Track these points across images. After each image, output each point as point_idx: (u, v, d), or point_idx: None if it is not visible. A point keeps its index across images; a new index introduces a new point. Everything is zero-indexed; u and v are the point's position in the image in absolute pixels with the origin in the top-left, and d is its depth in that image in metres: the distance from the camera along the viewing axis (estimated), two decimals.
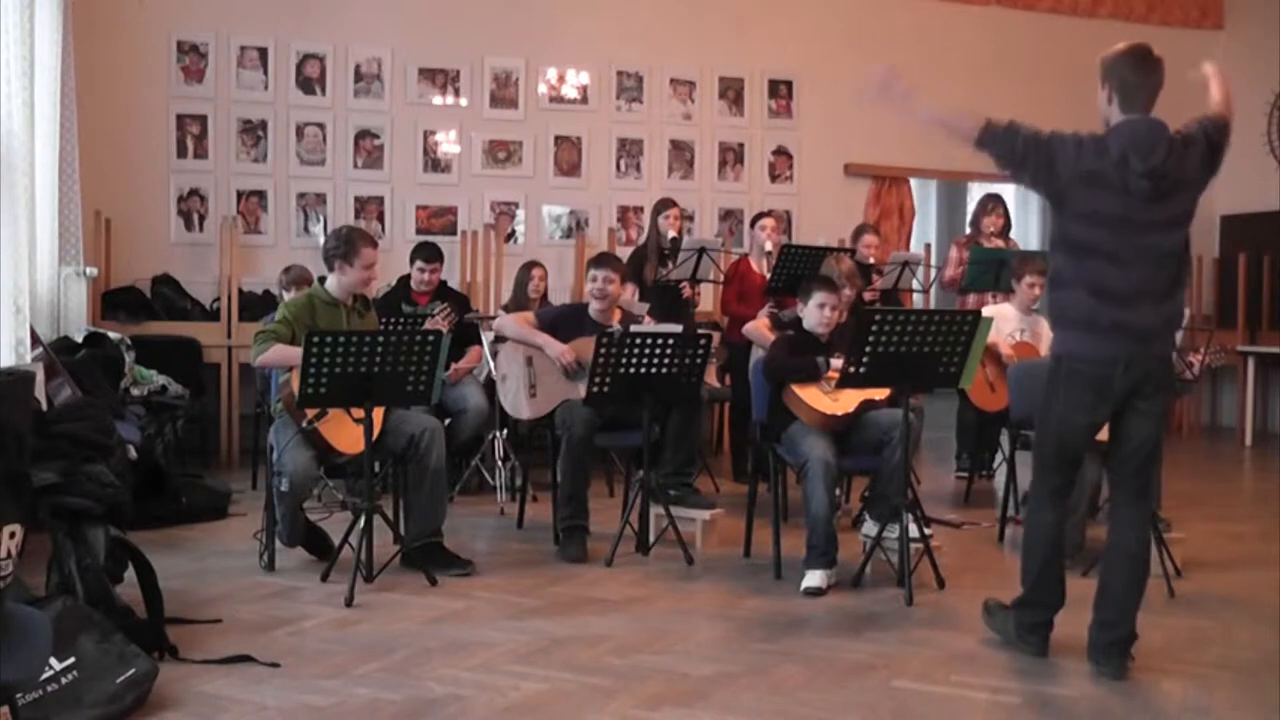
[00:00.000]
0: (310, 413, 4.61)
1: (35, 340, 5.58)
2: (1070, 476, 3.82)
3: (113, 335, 6.71)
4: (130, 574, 3.73)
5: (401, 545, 4.77)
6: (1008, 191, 7.99)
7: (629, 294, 6.67)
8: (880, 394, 4.89)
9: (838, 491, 5.21)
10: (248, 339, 5.26)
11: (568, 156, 8.84)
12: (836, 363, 4.75)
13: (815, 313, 5.09)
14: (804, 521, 4.73)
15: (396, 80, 8.42)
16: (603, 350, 4.92)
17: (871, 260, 7.35)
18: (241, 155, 8.11)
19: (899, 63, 3.88)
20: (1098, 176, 3.54)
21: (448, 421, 6.03)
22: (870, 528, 4.88)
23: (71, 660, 3.14)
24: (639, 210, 8.85)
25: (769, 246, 7.21)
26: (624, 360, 4.94)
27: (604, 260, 5.70)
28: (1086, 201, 3.56)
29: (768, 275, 6.95)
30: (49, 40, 6.44)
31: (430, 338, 4.55)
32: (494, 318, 6.40)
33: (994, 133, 3.67)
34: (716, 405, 8.06)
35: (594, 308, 5.58)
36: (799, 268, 6.61)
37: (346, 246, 4.87)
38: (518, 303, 7.00)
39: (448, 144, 8.56)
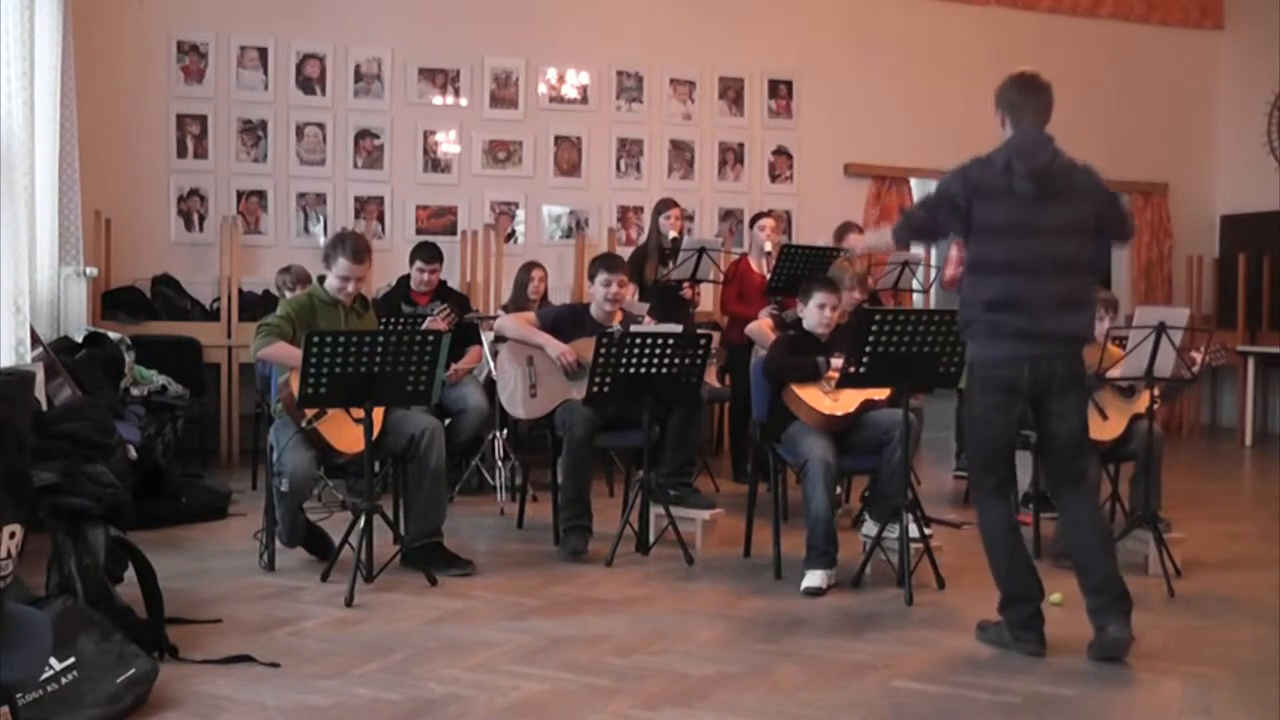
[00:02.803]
0: (309, 412, 4.61)
1: (35, 340, 5.59)
2: (1004, 472, 3.97)
3: (113, 335, 6.71)
4: (130, 574, 3.73)
5: (401, 545, 4.77)
6: None
7: (629, 294, 6.67)
8: (880, 394, 4.90)
9: (838, 491, 5.21)
10: (248, 339, 5.25)
11: (568, 156, 8.84)
12: (836, 363, 4.75)
13: (815, 313, 5.09)
14: (804, 521, 4.73)
15: (396, 80, 8.42)
16: (603, 350, 4.92)
17: None
18: (241, 155, 8.11)
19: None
20: (988, 188, 3.77)
21: (448, 421, 6.03)
22: (870, 528, 4.88)
23: (71, 660, 3.14)
24: (639, 210, 8.85)
25: (768, 247, 7.21)
26: (624, 360, 4.94)
27: (613, 264, 5.62)
28: (983, 215, 3.78)
29: (767, 275, 6.94)
30: (49, 40, 6.44)
31: (430, 338, 4.55)
32: (494, 318, 6.40)
33: (900, 227, 4.04)
34: (716, 405, 8.06)
35: (602, 310, 5.56)
36: (799, 268, 6.61)
37: (329, 251, 4.93)
38: (517, 303, 6.99)
39: (448, 144, 8.55)
